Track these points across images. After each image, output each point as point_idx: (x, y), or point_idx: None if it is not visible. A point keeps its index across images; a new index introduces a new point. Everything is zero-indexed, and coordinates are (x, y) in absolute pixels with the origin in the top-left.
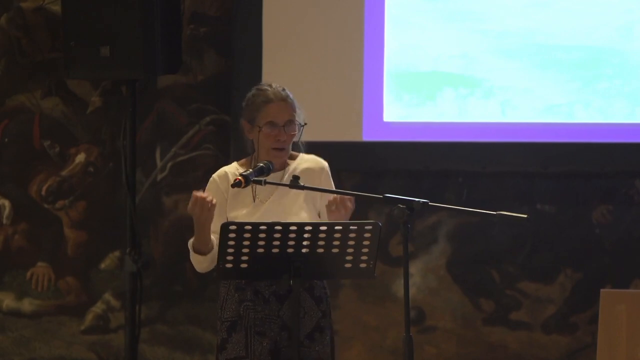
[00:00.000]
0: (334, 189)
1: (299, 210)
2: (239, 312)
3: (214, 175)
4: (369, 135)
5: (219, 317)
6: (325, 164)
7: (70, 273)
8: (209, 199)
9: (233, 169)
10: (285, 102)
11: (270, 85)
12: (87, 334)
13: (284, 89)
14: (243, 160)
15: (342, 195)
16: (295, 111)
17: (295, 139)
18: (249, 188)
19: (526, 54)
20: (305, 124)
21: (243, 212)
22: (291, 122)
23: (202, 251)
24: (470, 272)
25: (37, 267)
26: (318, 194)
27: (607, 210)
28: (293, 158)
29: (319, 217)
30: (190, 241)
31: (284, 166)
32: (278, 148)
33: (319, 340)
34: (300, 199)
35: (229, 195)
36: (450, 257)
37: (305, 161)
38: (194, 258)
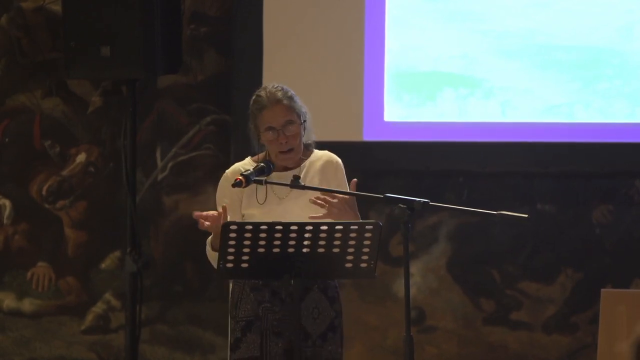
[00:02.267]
0: (346, 184)
1: (317, 209)
2: (257, 312)
3: (227, 172)
4: (369, 135)
5: (233, 316)
6: (339, 160)
7: (71, 273)
8: (212, 213)
9: (247, 165)
10: (279, 104)
11: (265, 89)
12: (87, 334)
13: (281, 89)
14: (257, 157)
15: (327, 195)
16: (293, 110)
17: (303, 136)
18: (263, 187)
19: (526, 54)
20: (304, 121)
21: (258, 211)
22: (289, 122)
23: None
24: (471, 272)
25: (37, 267)
26: (334, 182)
27: (607, 210)
28: (307, 155)
29: None
30: (209, 239)
31: (298, 163)
32: (283, 151)
33: (332, 340)
34: (316, 194)
35: (244, 193)
36: (450, 257)
37: (320, 158)
38: (212, 255)
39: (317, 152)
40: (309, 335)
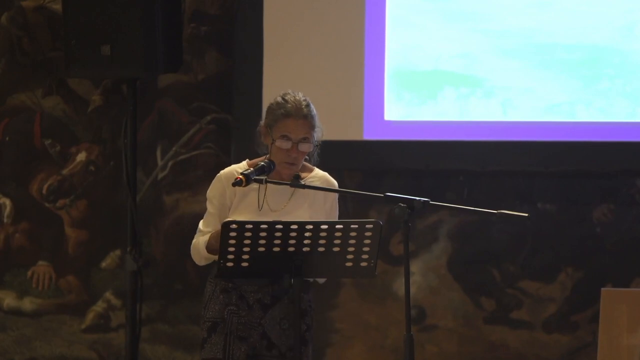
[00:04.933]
0: (337, 207)
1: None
2: (223, 314)
3: (221, 174)
4: (369, 134)
5: (202, 316)
6: (335, 183)
7: (71, 272)
8: None
9: (242, 168)
10: (304, 119)
11: (294, 96)
12: (87, 333)
13: (308, 105)
14: (255, 160)
15: None
16: (313, 128)
17: (310, 154)
18: (255, 194)
19: (527, 54)
20: (319, 144)
21: (248, 218)
22: (306, 139)
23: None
24: (471, 271)
25: (38, 266)
26: (322, 210)
27: (607, 209)
28: (307, 171)
29: None
30: (204, 241)
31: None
32: (289, 162)
33: (303, 353)
34: (306, 214)
35: (235, 197)
36: (451, 256)
37: (318, 179)
38: (206, 256)
39: (317, 172)
40: (274, 345)
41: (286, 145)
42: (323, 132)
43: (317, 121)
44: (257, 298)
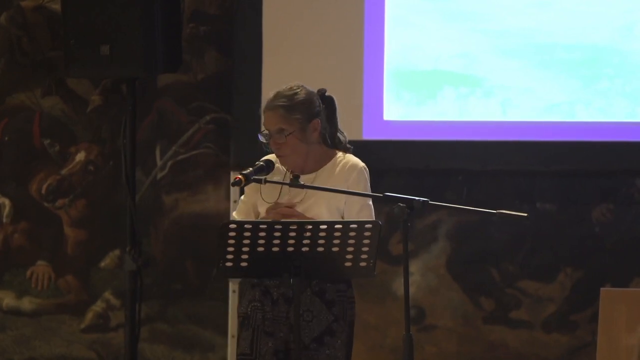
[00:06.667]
0: (360, 188)
1: (320, 212)
2: (247, 310)
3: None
4: (368, 134)
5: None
6: (358, 165)
7: (70, 272)
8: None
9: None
10: (272, 111)
11: (279, 90)
12: (87, 333)
13: (287, 94)
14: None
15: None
16: (288, 119)
17: (301, 144)
18: (279, 187)
19: (527, 53)
20: (291, 133)
21: (265, 208)
22: (280, 130)
23: None
24: (471, 271)
25: (37, 266)
26: (337, 197)
27: (607, 209)
28: (330, 158)
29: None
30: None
31: (316, 168)
32: (279, 155)
33: (330, 344)
34: (322, 201)
35: (259, 193)
36: (450, 255)
37: (340, 162)
38: None
39: (339, 157)
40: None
41: (264, 139)
42: (314, 110)
43: (302, 108)
44: (281, 292)
